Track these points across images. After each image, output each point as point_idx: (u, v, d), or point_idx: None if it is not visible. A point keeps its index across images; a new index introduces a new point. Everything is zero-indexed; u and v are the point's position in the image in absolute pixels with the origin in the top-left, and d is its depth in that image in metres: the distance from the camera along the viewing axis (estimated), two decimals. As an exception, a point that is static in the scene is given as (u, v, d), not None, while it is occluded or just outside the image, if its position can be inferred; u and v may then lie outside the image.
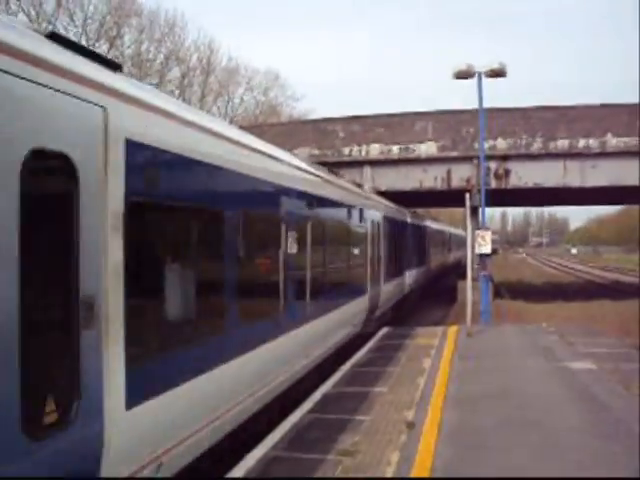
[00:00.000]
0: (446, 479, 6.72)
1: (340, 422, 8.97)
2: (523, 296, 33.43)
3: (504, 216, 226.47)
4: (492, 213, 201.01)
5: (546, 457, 7.40)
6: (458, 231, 62.57)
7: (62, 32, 41.62)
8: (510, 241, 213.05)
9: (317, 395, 10.58)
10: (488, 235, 18.22)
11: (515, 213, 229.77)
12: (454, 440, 8.12)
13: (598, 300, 31.31)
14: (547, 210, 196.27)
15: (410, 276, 26.05)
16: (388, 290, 19.51)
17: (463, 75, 19.24)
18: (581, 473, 6.86)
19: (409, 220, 26.83)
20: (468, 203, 15.98)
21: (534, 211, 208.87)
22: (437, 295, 35.97)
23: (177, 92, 52.80)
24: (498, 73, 18.95)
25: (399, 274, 22.61)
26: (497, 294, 36.04)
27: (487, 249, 18.24)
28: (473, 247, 18.93)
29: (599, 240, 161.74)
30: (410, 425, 8.74)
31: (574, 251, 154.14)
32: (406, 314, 25.72)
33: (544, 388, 10.86)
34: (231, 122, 55.10)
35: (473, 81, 20.07)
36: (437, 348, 15.13)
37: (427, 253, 35.00)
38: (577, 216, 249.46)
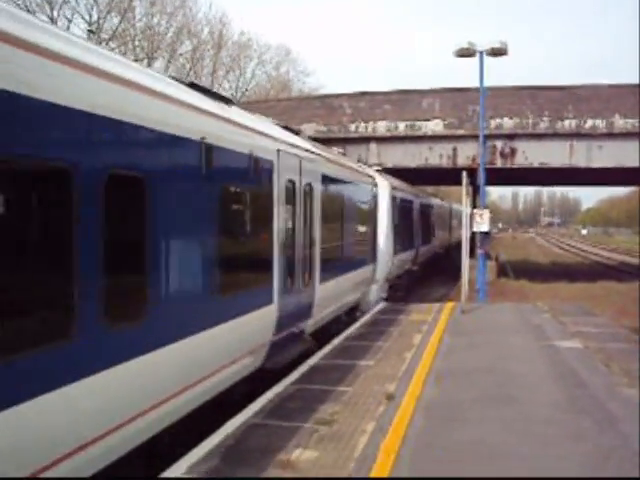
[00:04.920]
0: (421, 479, 6.60)
1: (323, 393, 9.20)
2: (528, 276, 33.55)
3: (515, 195, 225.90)
4: (503, 192, 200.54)
5: (516, 430, 7.62)
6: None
7: (72, 3, 41.66)
8: (521, 220, 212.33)
9: (304, 367, 10.82)
10: (486, 213, 18.33)
11: (527, 192, 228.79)
12: (430, 412, 8.35)
13: (603, 281, 31.43)
14: (559, 190, 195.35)
15: (443, 238, 44.32)
16: (434, 242, 37.23)
17: (465, 53, 19.19)
18: (548, 446, 7.08)
19: (443, 205, 43.84)
20: (465, 181, 16.07)
21: (546, 191, 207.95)
22: (442, 273, 36.22)
23: (188, 66, 52.65)
24: (499, 52, 18.89)
25: (441, 235, 41.96)
26: (502, 273, 36.27)
27: (485, 227, 18.36)
28: (472, 226, 19.07)
29: (610, 221, 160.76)
30: (390, 397, 8.97)
31: (584, 232, 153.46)
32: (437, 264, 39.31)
33: (527, 365, 11.03)
34: (242, 96, 55.04)
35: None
36: (430, 324, 15.33)
37: (454, 226, 51.52)
38: (589, 197, 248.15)
